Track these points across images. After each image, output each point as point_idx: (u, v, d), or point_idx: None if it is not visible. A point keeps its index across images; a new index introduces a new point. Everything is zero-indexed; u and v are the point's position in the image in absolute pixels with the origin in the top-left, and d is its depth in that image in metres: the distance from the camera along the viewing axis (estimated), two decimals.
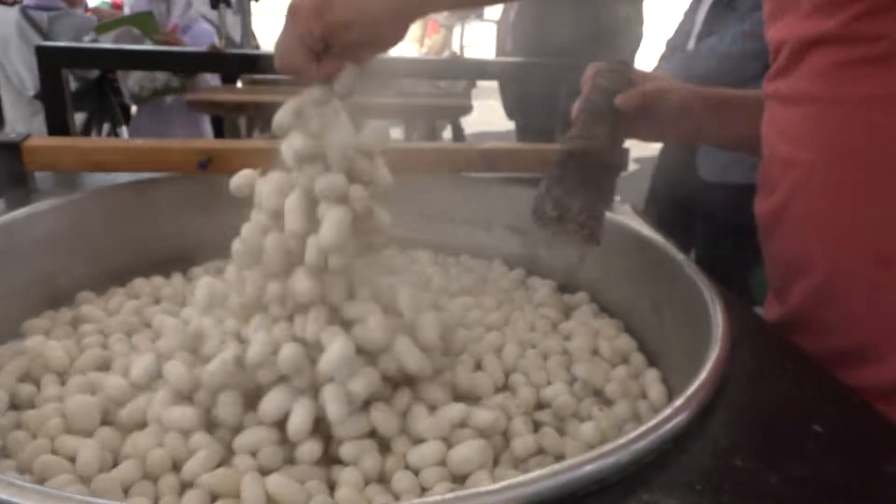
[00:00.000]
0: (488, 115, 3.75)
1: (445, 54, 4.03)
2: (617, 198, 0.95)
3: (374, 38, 0.62)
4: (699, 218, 1.90)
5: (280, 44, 0.63)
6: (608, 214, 0.75)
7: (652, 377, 0.70)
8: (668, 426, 0.47)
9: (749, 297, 1.95)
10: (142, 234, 0.90)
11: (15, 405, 0.64)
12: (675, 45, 1.91)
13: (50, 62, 1.03)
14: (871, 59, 0.60)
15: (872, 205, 0.61)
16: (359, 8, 0.60)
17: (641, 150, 2.20)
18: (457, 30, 4.12)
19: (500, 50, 2.62)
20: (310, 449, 0.56)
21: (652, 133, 0.83)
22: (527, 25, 2.40)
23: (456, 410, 0.60)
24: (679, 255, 0.74)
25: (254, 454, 0.56)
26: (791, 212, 0.68)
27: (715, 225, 1.85)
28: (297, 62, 0.63)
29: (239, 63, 1.19)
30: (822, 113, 0.64)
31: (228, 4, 1.25)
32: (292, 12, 0.61)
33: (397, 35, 0.63)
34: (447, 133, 4.12)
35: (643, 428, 0.46)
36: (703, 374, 0.52)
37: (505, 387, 0.69)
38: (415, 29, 3.73)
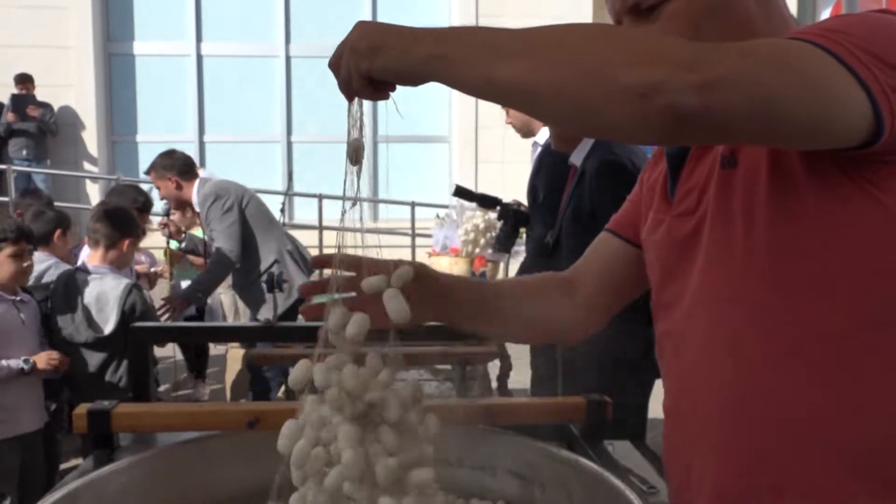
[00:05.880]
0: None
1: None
2: None
3: (401, 75, 0.70)
4: None
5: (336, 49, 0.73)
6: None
7: None
8: None
9: None
10: (198, 483, 1.08)
11: None
12: None
13: (140, 339, 1.29)
14: None
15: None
16: (401, 49, 0.67)
17: None
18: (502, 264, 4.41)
19: None
20: None
21: None
22: None
23: None
24: (633, 497, 0.87)
25: None
26: None
27: None
28: (338, 70, 0.72)
29: (284, 334, 1.47)
30: None
31: (280, 289, 1.53)
32: (353, 29, 0.71)
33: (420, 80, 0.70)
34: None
35: None
36: None
37: None
38: (462, 264, 3.97)
